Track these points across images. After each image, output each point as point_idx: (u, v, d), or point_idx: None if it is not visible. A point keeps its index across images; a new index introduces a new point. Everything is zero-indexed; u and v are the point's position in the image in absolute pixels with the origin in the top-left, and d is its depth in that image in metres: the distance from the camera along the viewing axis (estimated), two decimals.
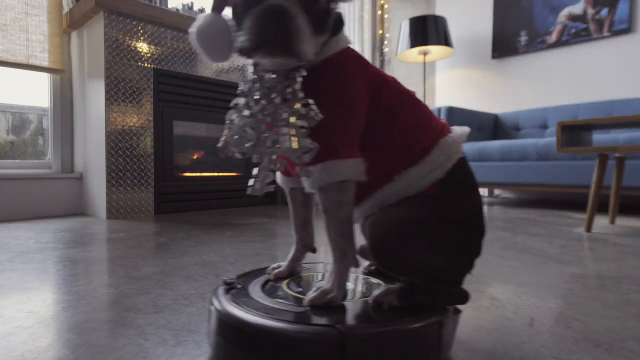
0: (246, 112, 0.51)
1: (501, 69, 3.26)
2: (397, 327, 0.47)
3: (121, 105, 1.97)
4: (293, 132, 0.49)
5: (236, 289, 0.58)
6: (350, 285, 0.62)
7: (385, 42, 4.09)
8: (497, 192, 3.41)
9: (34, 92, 2.25)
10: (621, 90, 2.69)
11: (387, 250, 0.53)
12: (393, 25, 4.02)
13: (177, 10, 2.34)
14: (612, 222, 1.77)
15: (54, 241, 1.36)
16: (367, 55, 4.10)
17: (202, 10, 2.44)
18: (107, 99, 1.93)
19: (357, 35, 4.16)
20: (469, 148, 2.62)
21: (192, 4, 2.38)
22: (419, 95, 3.80)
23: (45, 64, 2.10)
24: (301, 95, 0.50)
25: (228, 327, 0.50)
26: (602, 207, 2.45)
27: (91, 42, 2.03)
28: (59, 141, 2.23)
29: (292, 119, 0.49)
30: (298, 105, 0.49)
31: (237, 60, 2.49)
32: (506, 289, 0.83)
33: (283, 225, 1.73)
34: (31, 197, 2.02)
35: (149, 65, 2.07)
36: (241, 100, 0.52)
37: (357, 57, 0.56)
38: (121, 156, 1.98)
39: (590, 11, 2.79)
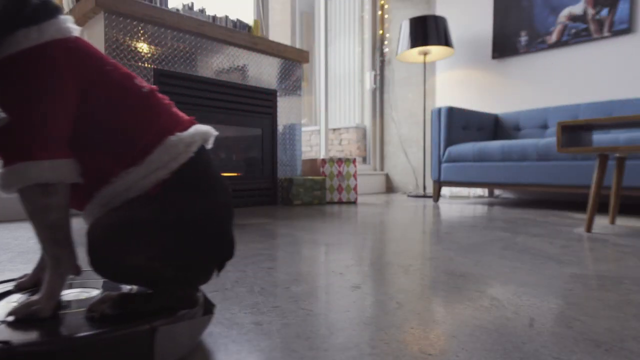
0: None
1: (501, 69, 3.26)
2: (85, 340, 0.44)
3: None
4: None
5: None
6: (90, 293, 0.58)
7: (385, 42, 4.09)
8: (497, 192, 3.41)
9: None
10: (621, 90, 2.69)
11: (100, 255, 0.49)
12: (393, 25, 4.02)
13: (177, 10, 2.34)
14: (612, 222, 1.77)
15: None
16: (367, 55, 4.11)
17: (202, 10, 2.44)
18: None
19: (357, 35, 4.17)
20: (469, 148, 2.62)
21: (192, 4, 2.38)
22: (418, 95, 3.81)
23: None
24: None
25: None
26: (602, 207, 2.45)
27: (91, 42, 2.03)
28: None
29: None
30: None
31: (237, 60, 2.50)
32: (506, 289, 0.83)
33: (283, 225, 1.73)
34: None
35: (149, 65, 2.07)
36: None
37: (66, 50, 0.51)
38: None
39: (590, 11, 2.79)
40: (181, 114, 0.60)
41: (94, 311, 0.49)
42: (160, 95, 0.58)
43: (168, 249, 0.51)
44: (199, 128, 0.58)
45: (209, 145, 0.61)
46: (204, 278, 0.55)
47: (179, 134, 0.55)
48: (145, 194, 0.52)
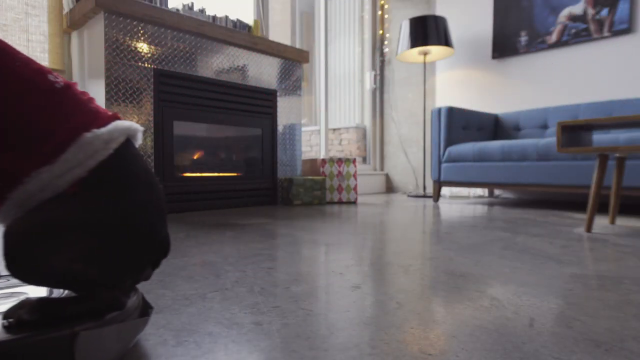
0: None
1: (501, 69, 3.26)
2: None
3: (121, 105, 1.97)
4: None
5: None
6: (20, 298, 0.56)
7: (385, 42, 4.09)
8: (497, 192, 3.41)
9: None
10: (621, 90, 2.69)
11: (16, 258, 0.46)
12: (393, 25, 4.02)
13: (177, 10, 2.34)
14: (612, 222, 1.77)
15: None
16: (367, 55, 4.11)
17: (202, 10, 2.44)
18: (107, 99, 1.93)
19: (357, 35, 4.17)
20: (469, 148, 2.62)
21: (192, 4, 2.38)
22: (418, 95, 3.81)
23: (45, 64, 2.10)
24: None
25: None
26: (602, 207, 2.45)
27: (91, 42, 2.03)
28: None
29: None
30: None
31: (237, 60, 2.49)
32: (506, 289, 0.83)
33: (283, 225, 1.73)
34: None
35: (149, 65, 2.07)
36: None
37: None
38: None
39: (590, 11, 2.79)
40: (102, 109, 0.57)
41: (10, 317, 0.47)
42: (78, 90, 0.56)
43: (89, 250, 0.49)
44: (119, 124, 0.56)
45: (137, 141, 0.59)
46: (132, 279, 0.53)
47: (95, 130, 0.53)
48: (63, 194, 0.50)
